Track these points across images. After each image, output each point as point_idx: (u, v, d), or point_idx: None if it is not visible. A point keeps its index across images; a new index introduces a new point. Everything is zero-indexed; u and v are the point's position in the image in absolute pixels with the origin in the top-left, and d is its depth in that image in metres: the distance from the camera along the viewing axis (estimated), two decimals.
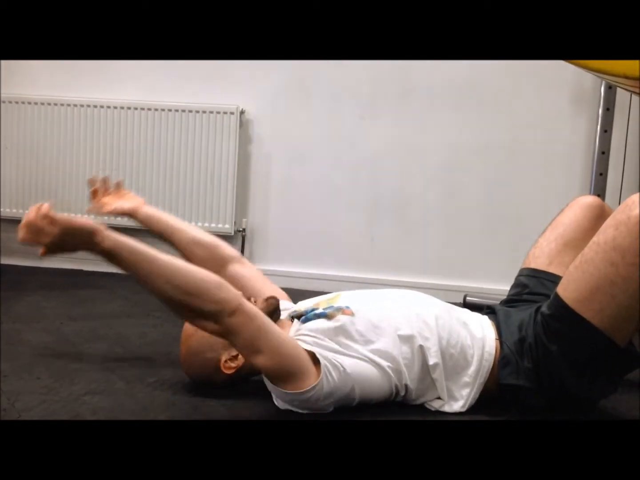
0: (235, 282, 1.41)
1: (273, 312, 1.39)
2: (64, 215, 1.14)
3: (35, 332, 1.78)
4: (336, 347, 1.28)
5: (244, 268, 1.57)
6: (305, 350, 1.24)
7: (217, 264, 1.51)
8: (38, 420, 1.17)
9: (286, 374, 1.22)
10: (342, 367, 1.24)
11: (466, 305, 2.38)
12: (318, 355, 1.23)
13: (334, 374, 1.23)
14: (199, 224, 2.69)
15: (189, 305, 1.15)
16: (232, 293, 1.18)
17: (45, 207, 1.13)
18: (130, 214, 1.61)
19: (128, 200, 1.64)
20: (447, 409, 1.31)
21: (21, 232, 1.14)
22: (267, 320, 1.22)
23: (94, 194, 1.65)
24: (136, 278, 1.16)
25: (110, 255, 1.14)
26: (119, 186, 1.67)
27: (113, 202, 1.62)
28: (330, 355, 1.25)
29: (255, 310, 1.20)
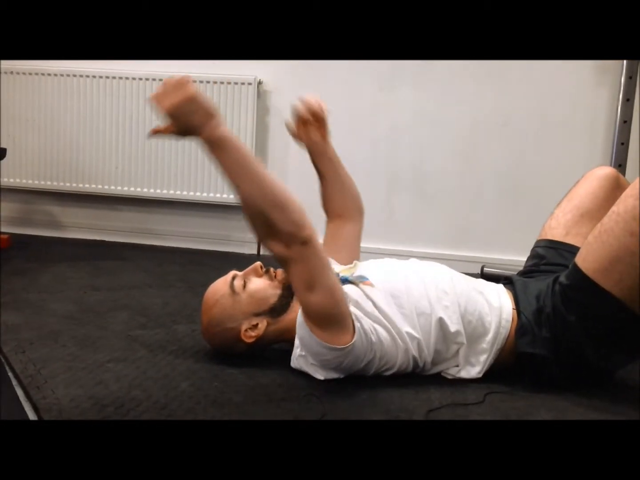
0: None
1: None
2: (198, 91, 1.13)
3: (60, 302, 1.82)
4: (366, 310, 1.29)
5: (352, 229, 1.59)
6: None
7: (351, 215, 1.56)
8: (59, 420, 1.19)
9: (330, 320, 1.22)
10: (372, 333, 1.26)
11: (484, 276, 2.38)
12: (353, 317, 1.24)
13: (364, 339, 1.25)
14: (218, 195, 2.71)
15: (269, 217, 1.14)
16: (311, 223, 1.18)
17: (187, 76, 1.13)
18: (316, 151, 1.56)
19: (317, 133, 1.57)
20: (463, 374, 1.33)
21: (156, 90, 1.14)
22: (330, 263, 1.23)
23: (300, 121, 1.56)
24: (229, 175, 1.15)
25: (217, 143, 1.13)
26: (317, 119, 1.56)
27: (310, 133, 1.56)
28: (363, 319, 1.27)
29: (322, 248, 1.21)
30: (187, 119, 1.13)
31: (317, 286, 1.19)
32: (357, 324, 1.24)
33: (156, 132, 1.18)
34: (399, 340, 1.29)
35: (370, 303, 1.31)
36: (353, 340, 1.23)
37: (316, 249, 1.18)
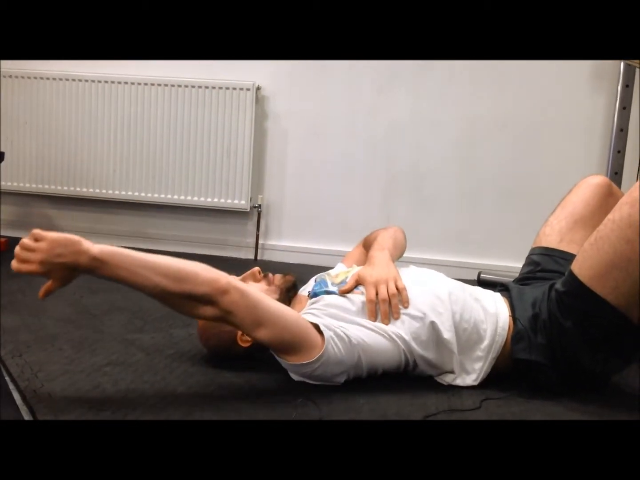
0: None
1: (290, 288, 1.43)
2: (49, 232, 1.12)
3: (57, 305, 1.82)
4: (344, 316, 1.30)
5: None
6: (310, 322, 1.26)
7: None
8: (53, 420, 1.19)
9: (289, 345, 1.24)
10: (347, 337, 1.26)
11: (480, 282, 2.39)
12: (322, 327, 1.25)
13: (339, 344, 1.25)
14: (215, 199, 2.71)
15: (184, 293, 1.15)
16: (221, 273, 1.19)
17: (34, 230, 1.12)
18: None
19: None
20: (459, 382, 1.33)
21: (13, 261, 1.12)
22: (263, 294, 1.24)
23: None
24: (128, 283, 1.14)
25: (99, 262, 1.11)
26: None
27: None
28: (336, 324, 1.28)
29: (246, 286, 1.21)
30: (60, 264, 1.11)
31: (263, 320, 1.20)
32: (328, 333, 1.24)
33: (45, 293, 1.15)
34: (388, 337, 1.30)
35: (354, 311, 1.32)
36: (322, 350, 1.23)
37: (241, 290, 1.18)
